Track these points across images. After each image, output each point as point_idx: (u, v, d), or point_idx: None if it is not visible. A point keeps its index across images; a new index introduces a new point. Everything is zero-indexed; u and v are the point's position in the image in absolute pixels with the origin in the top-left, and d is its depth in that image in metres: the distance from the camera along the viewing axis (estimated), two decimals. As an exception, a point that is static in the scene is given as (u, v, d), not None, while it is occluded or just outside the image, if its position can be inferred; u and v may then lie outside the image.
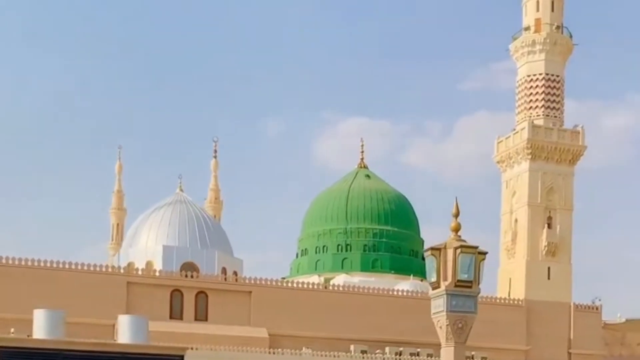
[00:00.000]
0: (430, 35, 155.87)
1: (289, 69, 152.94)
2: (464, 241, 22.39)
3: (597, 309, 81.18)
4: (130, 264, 73.26)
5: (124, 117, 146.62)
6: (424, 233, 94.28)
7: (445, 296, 21.84)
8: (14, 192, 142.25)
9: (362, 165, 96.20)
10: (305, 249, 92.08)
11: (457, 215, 22.78)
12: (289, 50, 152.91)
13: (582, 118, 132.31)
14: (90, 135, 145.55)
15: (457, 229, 22.62)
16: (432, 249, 22.24)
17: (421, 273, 77.05)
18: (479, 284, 22.17)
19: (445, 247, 22.11)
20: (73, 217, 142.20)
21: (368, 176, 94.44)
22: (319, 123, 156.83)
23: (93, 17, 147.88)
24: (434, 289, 22.20)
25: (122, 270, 68.61)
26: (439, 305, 22.08)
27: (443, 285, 21.94)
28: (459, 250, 21.81)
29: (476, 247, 22.11)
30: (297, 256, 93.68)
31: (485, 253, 22.37)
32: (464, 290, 21.86)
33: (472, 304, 22.10)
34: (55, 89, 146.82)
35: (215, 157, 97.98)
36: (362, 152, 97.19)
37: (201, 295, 68.43)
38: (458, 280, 21.76)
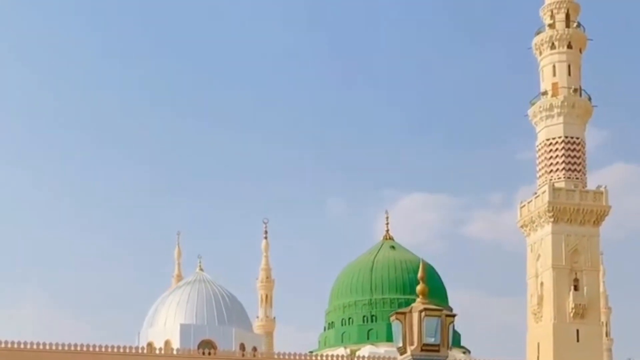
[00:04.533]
0: (485, 106, 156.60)
1: (346, 149, 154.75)
2: (430, 304, 22.07)
3: (630, 370, 79.77)
4: (149, 344, 73.14)
5: (179, 202, 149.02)
6: (453, 301, 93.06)
7: (411, 361, 21.50)
8: (81, 279, 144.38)
9: (388, 237, 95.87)
10: (332, 322, 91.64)
11: (423, 278, 22.52)
12: (345, 130, 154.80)
13: (629, 179, 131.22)
14: (148, 221, 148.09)
15: (423, 293, 22.36)
16: (397, 313, 22.05)
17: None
18: (448, 347, 21.82)
19: (410, 311, 21.85)
20: (137, 302, 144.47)
21: (393, 247, 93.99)
22: (380, 201, 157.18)
23: (139, 103, 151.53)
24: (401, 354, 21.90)
25: (140, 350, 68.40)
26: (406, 371, 21.70)
27: (409, 350, 21.63)
28: (423, 314, 21.56)
29: (442, 310, 21.82)
30: (324, 329, 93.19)
31: (453, 315, 22.06)
32: (431, 355, 21.61)
33: (440, 368, 21.70)
34: (115, 179, 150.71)
35: (265, 237, 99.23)
36: (387, 223, 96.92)
37: (219, 373, 68.21)
38: (424, 344, 21.46)
